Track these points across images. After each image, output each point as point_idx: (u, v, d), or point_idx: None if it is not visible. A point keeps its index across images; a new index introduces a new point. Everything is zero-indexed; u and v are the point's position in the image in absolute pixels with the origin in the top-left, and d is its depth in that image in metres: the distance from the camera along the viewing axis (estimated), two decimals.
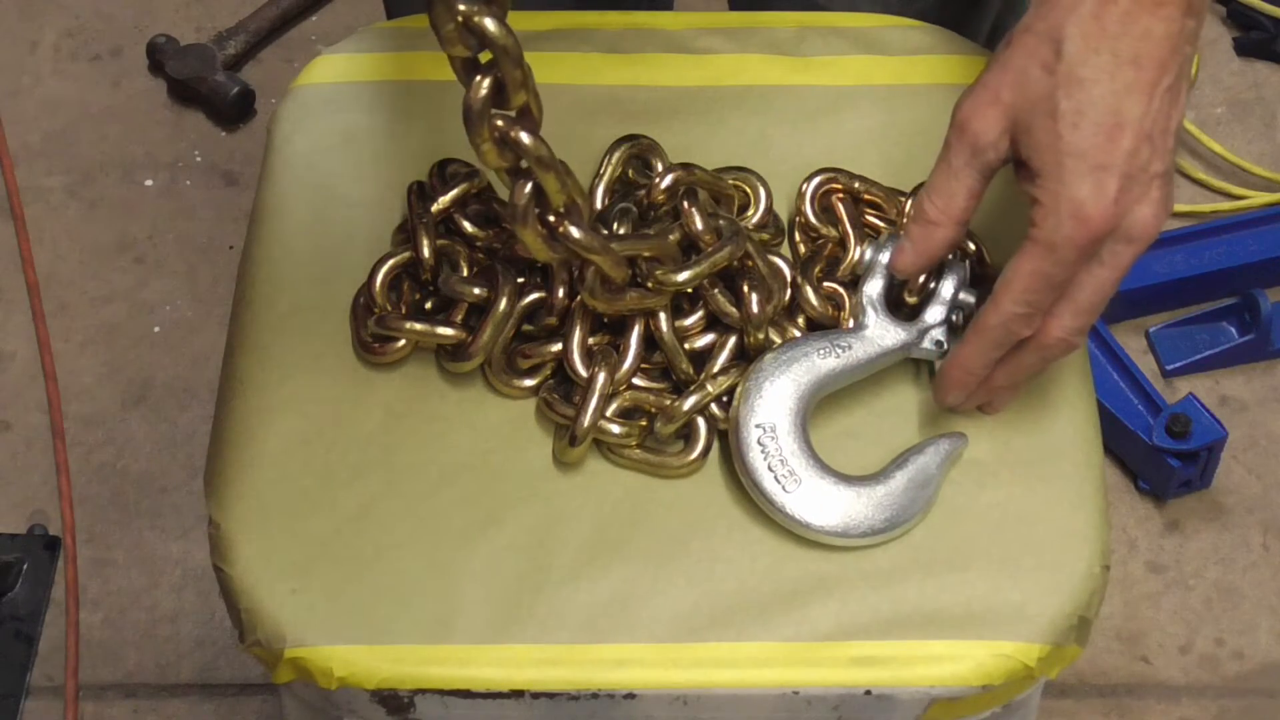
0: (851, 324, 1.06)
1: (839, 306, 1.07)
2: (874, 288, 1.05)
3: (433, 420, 1.05)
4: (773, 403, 1.02)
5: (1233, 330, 2.01)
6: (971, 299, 1.05)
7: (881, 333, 1.04)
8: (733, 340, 1.05)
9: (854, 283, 1.07)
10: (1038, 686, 1.03)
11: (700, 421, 1.04)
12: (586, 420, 1.02)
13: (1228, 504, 1.93)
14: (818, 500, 1.01)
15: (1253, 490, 1.94)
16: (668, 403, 1.04)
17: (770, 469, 1.01)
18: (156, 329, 2.05)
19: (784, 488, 1.01)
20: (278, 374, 1.06)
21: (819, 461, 1.02)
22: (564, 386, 1.05)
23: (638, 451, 1.03)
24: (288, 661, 0.98)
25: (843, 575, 1.00)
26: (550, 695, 0.98)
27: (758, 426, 1.02)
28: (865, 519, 1.01)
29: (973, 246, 1.07)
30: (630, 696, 0.98)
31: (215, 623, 1.84)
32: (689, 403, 1.03)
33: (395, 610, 0.99)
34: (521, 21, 1.15)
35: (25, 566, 1.87)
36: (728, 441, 1.04)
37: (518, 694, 0.98)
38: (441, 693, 0.98)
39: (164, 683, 1.83)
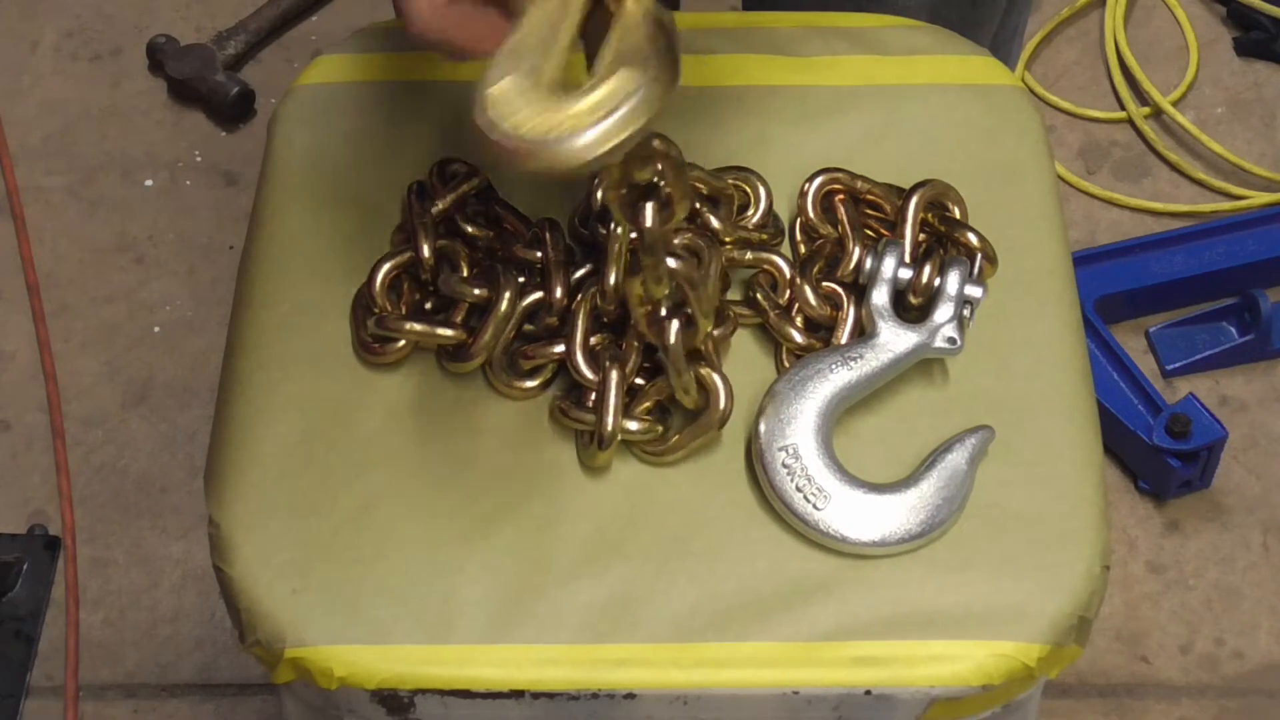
0: (847, 329, 1.06)
1: (837, 306, 1.07)
2: (880, 296, 1.05)
3: (433, 420, 1.05)
4: (792, 425, 1.02)
5: (1233, 330, 2.01)
6: (978, 292, 1.05)
7: (893, 338, 1.04)
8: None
9: (854, 284, 1.07)
10: (1038, 686, 1.03)
11: (718, 382, 1.03)
12: (610, 422, 1.01)
13: (1228, 504, 1.93)
14: (850, 513, 1.00)
15: (1253, 490, 1.94)
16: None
17: (799, 489, 1.01)
18: (156, 329, 2.05)
19: (815, 505, 1.00)
20: (278, 374, 1.06)
21: (846, 475, 1.01)
22: (575, 393, 1.04)
23: (668, 444, 1.03)
24: (288, 661, 0.98)
25: (843, 575, 1.00)
26: (550, 695, 0.98)
27: (780, 450, 1.01)
28: (901, 526, 1.00)
29: (976, 241, 1.07)
30: (630, 696, 0.98)
31: (215, 623, 1.84)
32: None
33: (395, 610, 0.99)
34: None
35: (25, 566, 1.87)
36: (725, 446, 1.04)
37: (518, 694, 0.98)
38: (441, 693, 0.98)
39: (164, 683, 1.83)
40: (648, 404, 1.03)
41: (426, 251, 1.06)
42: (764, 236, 1.10)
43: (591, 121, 0.86)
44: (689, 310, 1.01)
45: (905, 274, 1.06)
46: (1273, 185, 2.15)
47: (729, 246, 1.08)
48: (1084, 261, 1.98)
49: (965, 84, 1.17)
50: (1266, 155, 2.18)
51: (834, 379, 1.03)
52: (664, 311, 1.01)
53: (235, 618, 1.01)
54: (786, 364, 1.06)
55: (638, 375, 1.04)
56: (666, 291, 1.01)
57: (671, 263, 1.00)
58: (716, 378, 1.02)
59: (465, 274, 1.06)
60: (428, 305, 1.07)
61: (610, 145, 0.86)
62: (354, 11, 2.32)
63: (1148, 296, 2.02)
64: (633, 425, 1.02)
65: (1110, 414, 1.87)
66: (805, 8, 1.21)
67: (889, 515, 1.01)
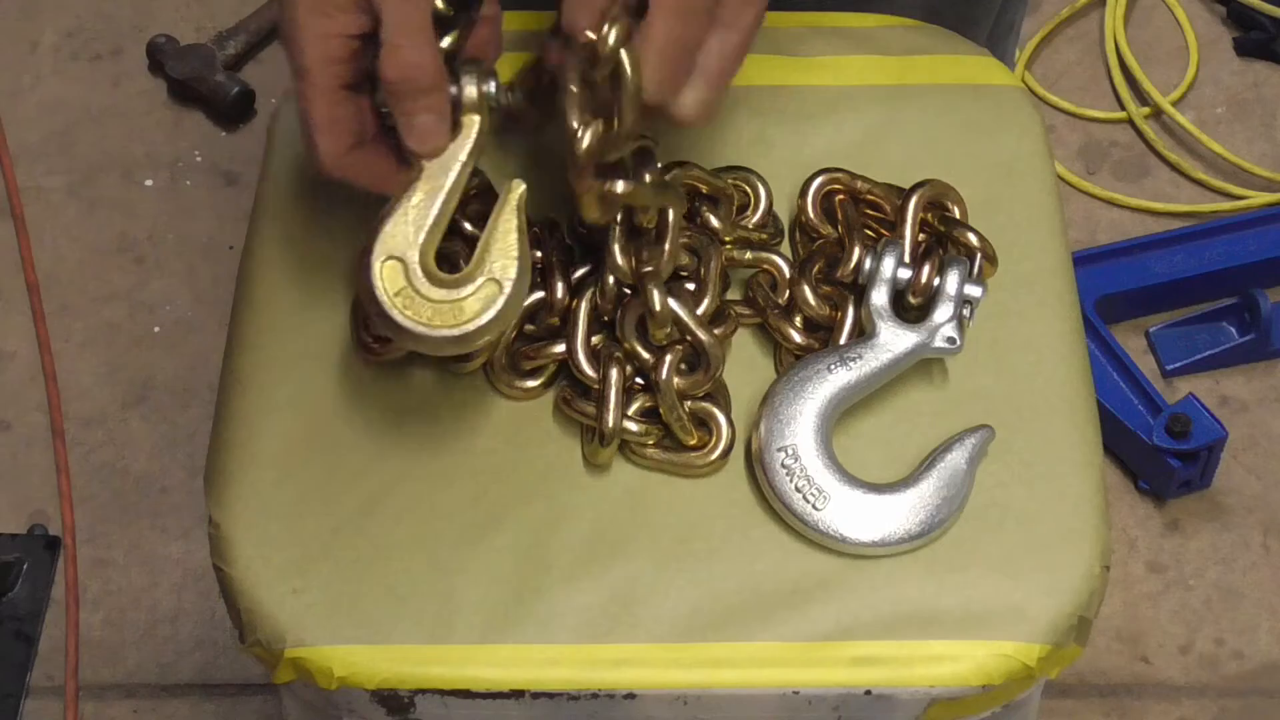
0: (847, 330, 1.06)
1: (837, 306, 1.07)
2: (879, 297, 1.05)
3: (433, 420, 1.05)
4: (791, 425, 1.02)
5: (1233, 330, 2.01)
6: (977, 292, 1.05)
7: (892, 339, 1.04)
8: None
9: (853, 284, 1.07)
10: (1038, 686, 1.03)
11: (720, 417, 1.03)
12: (610, 418, 1.01)
13: (1228, 504, 1.93)
14: (850, 514, 1.00)
15: (1253, 490, 1.94)
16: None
17: (798, 489, 1.01)
18: (156, 329, 2.05)
19: (814, 506, 1.00)
20: (278, 374, 1.06)
21: (846, 475, 1.01)
22: (579, 387, 1.04)
23: (658, 451, 1.03)
24: (288, 661, 0.98)
25: (843, 575, 1.00)
26: (550, 695, 0.98)
27: (779, 450, 1.01)
28: (900, 526, 1.00)
29: (975, 241, 1.07)
30: (630, 696, 0.98)
31: (215, 623, 1.85)
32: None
33: (395, 610, 0.99)
34: (523, 21, 1.16)
35: (25, 566, 1.87)
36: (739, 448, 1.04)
37: (518, 694, 0.98)
38: (441, 693, 0.98)
39: (164, 683, 1.83)
40: (646, 404, 1.03)
41: None
42: (764, 236, 1.10)
43: (470, 316, 0.96)
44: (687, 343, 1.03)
45: (905, 274, 1.06)
46: (1273, 185, 2.15)
47: (729, 246, 1.08)
48: (1084, 261, 1.98)
49: (965, 84, 1.17)
50: (1266, 155, 2.18)
51: (833, 379, 1.03)
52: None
53: (235, 618, 1.01)
54: (786, 364, 1.06)
55: (638, 376, 1.04)
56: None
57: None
58: (721, 418, 1.03)
59: None
60: None
61: (485, 340, 0.98)
62: None
63: (1148, 296, 2.02)
64: (633, 426, 1.02)
65: (1110, 414, 1.87)
66: (805, 8, 1.21)
67: (889, 515, 1.01)
